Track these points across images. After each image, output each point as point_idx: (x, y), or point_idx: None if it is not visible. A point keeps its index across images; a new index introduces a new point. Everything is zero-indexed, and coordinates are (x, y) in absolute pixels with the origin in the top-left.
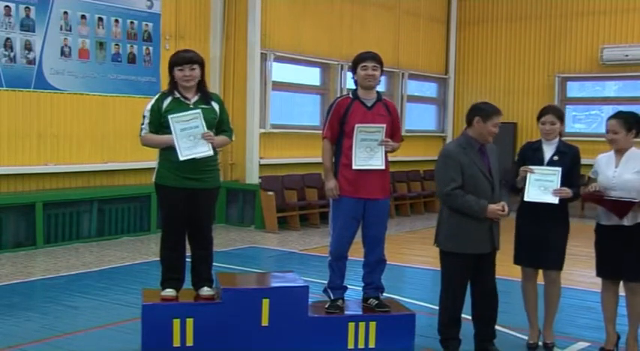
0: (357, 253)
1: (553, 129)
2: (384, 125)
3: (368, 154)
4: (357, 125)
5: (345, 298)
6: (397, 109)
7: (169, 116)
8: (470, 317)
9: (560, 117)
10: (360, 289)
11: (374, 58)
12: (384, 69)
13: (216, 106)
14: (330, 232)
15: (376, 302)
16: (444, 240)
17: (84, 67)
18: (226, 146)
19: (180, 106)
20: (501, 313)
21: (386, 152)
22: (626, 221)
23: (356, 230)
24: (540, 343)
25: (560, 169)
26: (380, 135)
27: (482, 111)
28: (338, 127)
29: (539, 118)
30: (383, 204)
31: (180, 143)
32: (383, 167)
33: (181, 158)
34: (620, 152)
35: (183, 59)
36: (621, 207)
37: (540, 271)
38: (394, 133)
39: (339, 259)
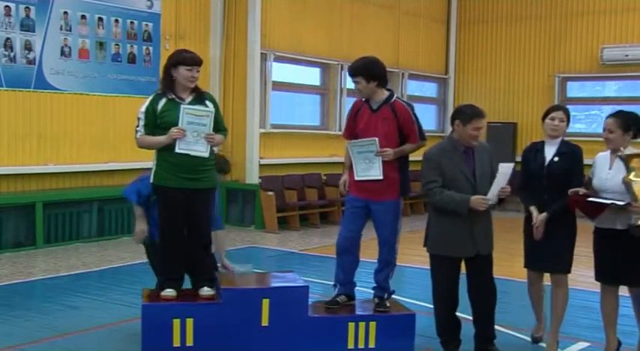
0: (366, 254)
1: (562, 126)
2: (376, 138)
3: (367, 165)
4: (348, 142)
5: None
6: (409, 109)
7: (182, 106)
8: (469, 317)
9: (569, 117)
10: (368, 290)
11: (350, 70)
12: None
13: (210, 105)
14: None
15: (377, 302)
16: (429, 242)
17: (84, 67)
18: (226, 146)
19: (175, 107)
20: (501, 312)
21: (396, 158)
22: (619, 225)
23: (359, 226)
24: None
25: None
26: (374, 147)
27: (461, 114)
28: (352, 128)
29: (547, 113)
30: (385, 205)
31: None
32: (381, 177)
33: (177, 150)
34: (615, 153)
35: (193, 60)
36: (593, 208)
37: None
38: (407, 134)
39: (341, 253)
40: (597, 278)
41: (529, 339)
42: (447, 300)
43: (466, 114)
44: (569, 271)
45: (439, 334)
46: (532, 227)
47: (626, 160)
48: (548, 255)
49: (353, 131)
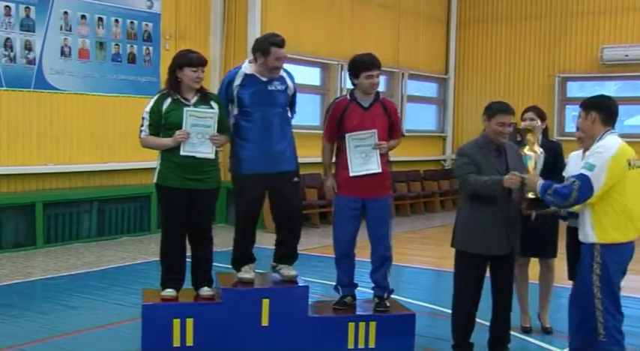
0: (366, 254)
1: (531, 125)
2: (375, 130)
3: (363, 160)
4: (347, 135)
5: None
6: (396, 106)
7: (185, 108)
8: (484, 322)
9: (541, 116)
10: (368, 290)
11: (379, 64)
12: (383, 69)
13: (215, 105)
14: (332, 231)
15: (377, 302)
16: (458, 239)
17: (84, 67)
18: (227, 146)
19: (181, 107)
20: None
21: (384, 153)
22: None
23: (357, 227)
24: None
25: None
26: (372, 140)
27: (488, 109)
28: (336, 128)
29: (521, 116)
30: (382, 202)
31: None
32: (379, 170)
33: (182, 153)
34: (586, 151)
35: (198, 61)
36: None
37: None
38: (393, 131)
39: (343, 256)
40: (570, 277)
41: (531, 340)
42: (471, 302)
43: (492, 109)
44: (556, 256)
45: (454, 336)
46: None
47: (524, 133)
48: (538, 242)
49: (336, 132)
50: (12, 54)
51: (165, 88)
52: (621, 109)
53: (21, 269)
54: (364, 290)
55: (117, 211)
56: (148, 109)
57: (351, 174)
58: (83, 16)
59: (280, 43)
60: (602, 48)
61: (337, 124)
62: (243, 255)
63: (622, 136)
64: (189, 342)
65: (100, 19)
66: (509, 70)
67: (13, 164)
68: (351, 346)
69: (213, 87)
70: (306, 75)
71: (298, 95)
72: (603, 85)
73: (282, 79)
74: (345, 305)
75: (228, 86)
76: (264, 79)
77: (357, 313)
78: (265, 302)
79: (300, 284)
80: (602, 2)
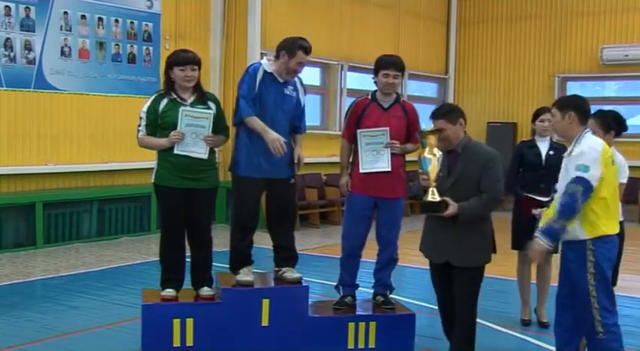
0: (367, 254)
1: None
2: (387, 128)
3: (374, 158)
4: (358, 130)
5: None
6: (416, 110)
7: (181, 108)
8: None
9: None
10: (368, 290)
11: (396, 65)
12: None
13: (212, 105)
14: (342, 230)
15: (382, 299)
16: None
17: (84, 67)
18: (227, 146)
19: (177, 107)
20: (502, 312)
21: (400, 153)
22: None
23: (367, 228)
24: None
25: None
26: (384, 138)
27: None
28: (354, 127)
29: (536, 116)
30: (394, 203)
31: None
32: (389, 169)
33: (175, 151)
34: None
35: (185, 59)
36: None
37: None
38: (412, 133)
39: (350, 257)
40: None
41: (530, 339)
42: (438, 302)
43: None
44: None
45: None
46: (522, 213)
47: (424, 136)
48: None
49: (355, 130)
50: (12, 54)
51: (162, 88)
52: (621, 109)
53: (21, 269)
54: (364, 290)
55: (117, 211)
56: (145, 108)
57: (361, 171)
58: (83, 16)
59: (309, 49)
60: (602, 48)
61: (356, 122)
62: (241, 257)
63: (622, 136)
64: (189, 342)
65: (100, 19)
66: (509, 70)
67: (13, 164)
68: (351, 346)
69: (213, 87)
70: (306, 75)
71: None
72: (603, 85)
73: (294, 84)
74: (345, 305)
75: (255, 78)
76: (281, 80)
77: (357, 313)
78: (265, 302)
79: (300, 284)
80: (602, 2)
